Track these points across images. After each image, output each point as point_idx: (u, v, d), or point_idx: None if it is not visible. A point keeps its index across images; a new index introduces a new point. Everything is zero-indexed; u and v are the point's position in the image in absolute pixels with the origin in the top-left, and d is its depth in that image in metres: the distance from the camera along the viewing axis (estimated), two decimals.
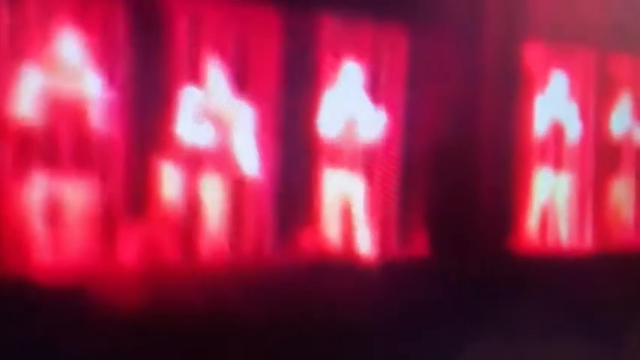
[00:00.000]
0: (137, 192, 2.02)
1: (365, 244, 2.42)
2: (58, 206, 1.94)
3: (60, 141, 1.93)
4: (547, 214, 2.77)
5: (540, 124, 2.77)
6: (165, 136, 2.05)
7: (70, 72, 1.92)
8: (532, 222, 2.74)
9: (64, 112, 1.93)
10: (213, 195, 2.14)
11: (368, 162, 2.41)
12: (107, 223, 1.99)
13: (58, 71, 1.91)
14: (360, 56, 2.36)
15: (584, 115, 2.89)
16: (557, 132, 2.81)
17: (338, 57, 2.32)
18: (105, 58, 1.95)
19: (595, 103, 2.92)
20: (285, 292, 2.23)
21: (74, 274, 1.97)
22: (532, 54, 2.73)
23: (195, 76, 2.09)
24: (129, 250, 2.02)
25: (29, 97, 1.87)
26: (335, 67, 2.32)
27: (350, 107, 2.37)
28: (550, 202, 2.79)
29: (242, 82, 2.16)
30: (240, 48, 2.15)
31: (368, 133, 2.41)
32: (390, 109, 2.42)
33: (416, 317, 2.45)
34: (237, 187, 2.18)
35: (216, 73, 2.11)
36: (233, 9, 2.14)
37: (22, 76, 1.86)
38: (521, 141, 2.73)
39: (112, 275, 2.00)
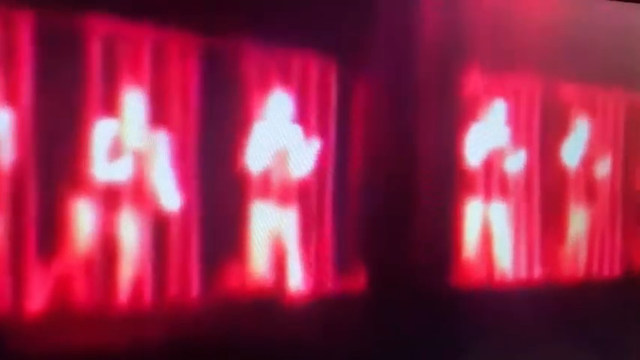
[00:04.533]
0: (47, 232, 1.91)
1: (298, 279, 2.32)
2: None
3: None
4: (487, 245, 2.69)
5: (478, 154, 2.70)
6: (78, 172, 1.95)
7: None
8: (472, 254, 2.66)
9: None
10: (132, 233, 2.03)
11: (299, 194, 2.31)
12: (14, 265, 1.88)
13: None
14: (288, 85, 2.27)
15: (528, 144, 2.82)
16: (497, 161, 2.74)
17: (265, 86, 2.23)
18: (9, 86, 1.85)
19: (542, 132, 2.85)
20: (212, 334, 2.13)
21: None
22: (471, 82, 2.66)
23: (110, 107, 1.99)
24: (38, 296, 1.91)
25: None
26: (261, 97, 2.23)
27: (279, 138, 2.29)
28: (489, 233, 2.71)
29: (161, 113, 2.06)
30: (158, 76, 2.06)
31: (299, 165, 2.32)
32: (322, 140, 2.33)
33: (352, 354, 2.36)
34: (158, 223, 2.08)
35: (133, 104, 2.02)
36: (150, 34, 2.04)
37: None
38: (459, 171, 2.65)
39: (19, 323, 1.89)
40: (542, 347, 2.74)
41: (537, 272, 2.85)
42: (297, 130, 2.30)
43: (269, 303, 2.28)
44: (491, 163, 2.71)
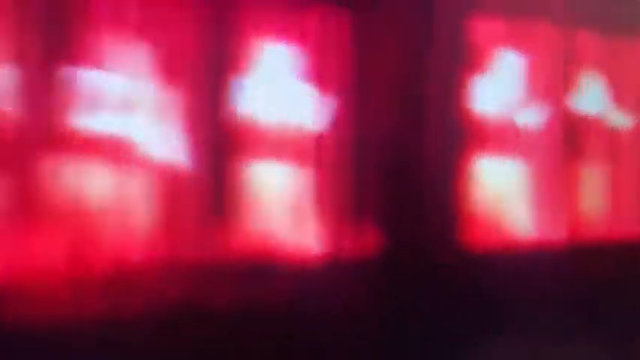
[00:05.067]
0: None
1: (312, 236, 2.21)
2: None
3: None
4: (500, 203, 2.56)
5: (492, 107, 2.56)
6: (74, 127, 1.83)
7: None
8: (484, 213, 2.52)
9: None
10: (137, 189, 1.92)
11: (313, 149, 2.21)
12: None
13: None
14: (302, 39, 2.17)
15: (543, 97, 2.68)
16: (510, 115, 2.60)
17: (278, 40, 2.12)
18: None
19: (557, 84, 2.71)
20: (230, 293, 2.05)
21: None
22: (483, 31, 2.52)
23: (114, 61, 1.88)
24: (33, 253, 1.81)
25: None
26: (274, 52, 2.12)
27: (292, 94, 2.17)
28: (503, 191, 2.57)
29: (170, 67, 1.95)
30: (167, 30, 1.94)
31: (312, 120, 2.21)
32: (337, 94, 2.22)
33: (365, 315, 2.27)
34: (164, 179, 1.97)
35: (140, 58, 1.90)
36: None
37: None
38: (471, 125, 2.51)
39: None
40: (557, 309, 2.62)
41: (554, 232, 2.72)
42: (312, 87, 2.19)
43: (279, 261, 2.17)
44: (503, 117, 2.57)
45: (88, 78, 1.87)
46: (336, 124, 2.25)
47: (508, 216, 2.59)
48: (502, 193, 2.57)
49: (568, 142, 2.73)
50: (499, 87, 2.56)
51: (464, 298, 2.43)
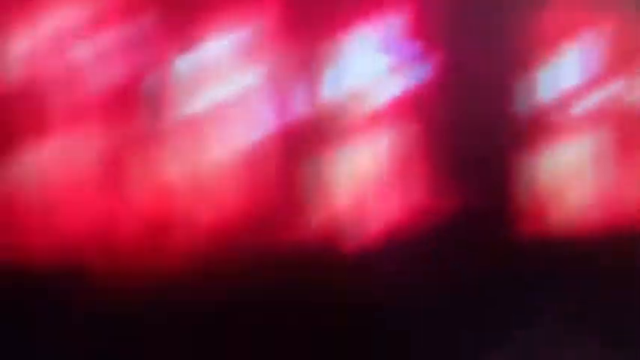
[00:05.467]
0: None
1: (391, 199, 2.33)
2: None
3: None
4: (558, 189, 2.68)
5: (556, 96, 2.68)
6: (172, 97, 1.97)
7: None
8: (542, 198, 2.64)
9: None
10: (224, 160, 2.06)
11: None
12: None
13: None
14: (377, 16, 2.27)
15: (599, 85, 2.79)
16: (570, 102, 2.71)
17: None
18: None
19: (613, 73, 2.81)
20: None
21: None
22: (549, 23, 2.63)
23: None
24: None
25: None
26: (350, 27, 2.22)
27: (369, 67, 2.29)
28: (562, 177, 2.69)
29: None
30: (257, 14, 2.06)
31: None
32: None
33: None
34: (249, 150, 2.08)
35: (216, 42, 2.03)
36: None
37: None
38: (536, 113, 2.63)
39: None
40: (608, 295, 2.70)
41: (608, 217, 2.81)
42: (386, 60, 2.30)
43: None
44: (565, 106, 2.69)
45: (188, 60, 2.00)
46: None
47: (569, 201, 2.72)
48: (564, 177, 2.70)
49: (623, 128, 2.84)
50: (563, 77, 2.68)
51: (526, 278, 2.56)
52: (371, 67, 2.29)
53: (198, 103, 2.03)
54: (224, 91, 2.07)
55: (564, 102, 2.71)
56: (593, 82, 2.76)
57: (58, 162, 1.88)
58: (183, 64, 2.00)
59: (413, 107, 2.34)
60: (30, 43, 1.83)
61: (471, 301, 2.45)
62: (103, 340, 1.89)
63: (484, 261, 2.47)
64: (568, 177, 2.72)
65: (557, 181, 2.69)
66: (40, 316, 1.85)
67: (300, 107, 2.18)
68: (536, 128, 2.65)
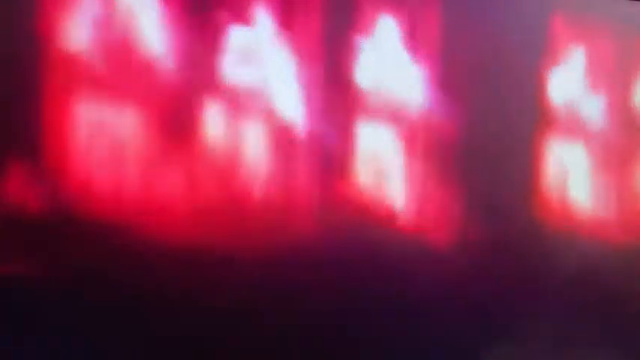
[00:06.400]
0: (182, 127, 2.06)
1: (402, 197, 2.44)
2: (104, 134, 1.98)
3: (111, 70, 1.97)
4: (567, 186, 2.80)
5: (562, 96, 2.81)
6: (211, 75, 2.09)
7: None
8: (555, 191, 2.76)
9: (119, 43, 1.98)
10: (255, 138, 2.17)
11: (403, 116, 2.44)
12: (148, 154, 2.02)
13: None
14: (398, 11, 2.41)
15: (607, 89, 2.92)
16: (578, 104, 2.84)
17: (377, 10, 2.37)
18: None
19: (621, 78, 2.93)
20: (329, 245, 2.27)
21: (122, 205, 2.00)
22: (558, 26, 2.77)
23: (242, 15, 2.13)
24: (170, 183, 2.05)
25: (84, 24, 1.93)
26: (374, 20, 2.37)
27: (389, 59, 2.41)
28: (572, 172, 2.81)
29: (286, 24, 2.21)
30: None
31: (406, 88, 2.45)
32: (427, 66, 2.46)
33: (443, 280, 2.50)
34: (280, 132, 2.21)
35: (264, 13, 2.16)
36: None
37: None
38: (544, 111, 2.76)
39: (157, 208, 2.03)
40: (623, 292, 2.82)
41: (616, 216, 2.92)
42: (406, 53, 2.44)
43: (374, 218, 2.40)
44: (572, 106, 2.82)
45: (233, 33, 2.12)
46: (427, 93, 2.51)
47: (575, 196, 2.84)
48: (571, 174, 2.83)
49: (630, 133, 2.96)
50: (571, 78, 2.82)
51: (536, 271, 2.67)
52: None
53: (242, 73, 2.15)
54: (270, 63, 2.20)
55: (571, 103, 2.83)
56: (599, 87, 2.89)
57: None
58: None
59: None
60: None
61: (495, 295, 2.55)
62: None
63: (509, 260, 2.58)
64: (574, 174, 2.84)
65: (565, 177, 2.81)
66: None
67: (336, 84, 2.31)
68: (548, 125, 2.77)
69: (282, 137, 2.23)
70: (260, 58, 2.18)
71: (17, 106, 1.85)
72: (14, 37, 1.87)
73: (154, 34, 2.00)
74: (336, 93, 2.32)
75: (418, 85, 2.48)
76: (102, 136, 1.96)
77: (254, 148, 2.18)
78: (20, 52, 1.87)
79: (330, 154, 2.32)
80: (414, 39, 2.45)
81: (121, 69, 1.96)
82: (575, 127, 2.83)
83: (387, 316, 2.37)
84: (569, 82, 2.83)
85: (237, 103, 2.14)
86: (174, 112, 2.03)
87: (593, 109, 2.88)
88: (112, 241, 1.97)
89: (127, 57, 1.97)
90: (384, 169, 2.44)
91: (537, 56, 2.74)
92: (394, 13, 2.41)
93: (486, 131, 2.64)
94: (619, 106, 2.94)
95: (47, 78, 1.85)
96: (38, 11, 1.87)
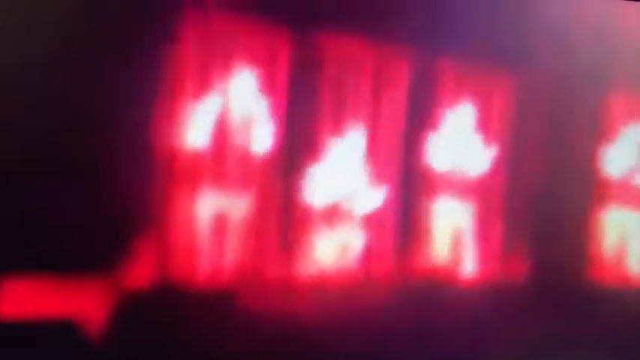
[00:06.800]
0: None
1: (470, 267, 2.70)
2: (222, 221, 2.26)
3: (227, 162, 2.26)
4: (623, 249, 3.03)
5: (618, 169, 3.04)
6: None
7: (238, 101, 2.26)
8: (610, 255, 3.00)
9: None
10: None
11: (476, 193, 2.70)
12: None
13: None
14: (472, 96, 2.67)
15: None
16: (632, 176, 3.07)
17: (455, 97, 2.63)
18: (270, 90, 2.28)
19: None
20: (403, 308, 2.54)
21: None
22: (614, 106, 3.00)
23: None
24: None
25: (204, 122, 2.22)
26: (451, 106, 2.63)
27: (461, 143, 2.68)
28: (624, 240, 3.05)
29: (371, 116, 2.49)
30: (372, 86, 2.48)
31: (477, 167, 2.70)
32: (497, 146, 2.72)
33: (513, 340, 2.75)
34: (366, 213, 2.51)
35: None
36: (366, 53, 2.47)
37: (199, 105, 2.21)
38: (600, 182, 2.99)
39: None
40: None
41: None
42: (477, 136, 2.70)
43: (443, 285, 2.66)
44: (628, 177, 3.05)
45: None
46: (496, 170, 2.77)
47: (630, 259, 3.08)
48: (626, 240, 3.06)
49: None
50: (624, 154, 3.06)
51: (588, 326, 2.91)
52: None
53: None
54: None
55: (625, 175, 3.06)
56: None
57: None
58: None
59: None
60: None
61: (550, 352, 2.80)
62: None
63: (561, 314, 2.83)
64: (630, 240, 3.07)
65: (620, 243, 3.04)
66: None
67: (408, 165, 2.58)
68: (603, 196, 3.00)
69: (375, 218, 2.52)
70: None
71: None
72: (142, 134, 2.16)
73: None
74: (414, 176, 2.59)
75: (488, 164, 2.74)
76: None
77: (347, 224, 2.46)
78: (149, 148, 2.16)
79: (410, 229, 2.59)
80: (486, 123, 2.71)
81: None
82: (631, 197, 3.06)
83: None
84: (624, 155, 3.06)
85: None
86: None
87: None
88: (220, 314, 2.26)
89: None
90: (459, 239, 2.70)
91: (593, 133, 2.98)
92: (470, 100, 2.68)
93: (549, 201, 2.88)
94: None
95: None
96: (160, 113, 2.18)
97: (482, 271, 2.73)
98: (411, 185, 2.59)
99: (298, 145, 2.38)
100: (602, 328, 2.95)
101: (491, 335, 2.72)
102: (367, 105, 2.49)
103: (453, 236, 2.69)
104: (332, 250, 2.47)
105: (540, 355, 2.80)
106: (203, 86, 2.25)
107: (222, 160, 2.26)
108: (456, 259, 2.69)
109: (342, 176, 2.48)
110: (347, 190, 2.48)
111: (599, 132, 3.00)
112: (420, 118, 2.58)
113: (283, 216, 2.36)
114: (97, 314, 2.13)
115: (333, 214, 2.46)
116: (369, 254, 2.52)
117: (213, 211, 2.24)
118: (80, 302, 2.11)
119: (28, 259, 2.09)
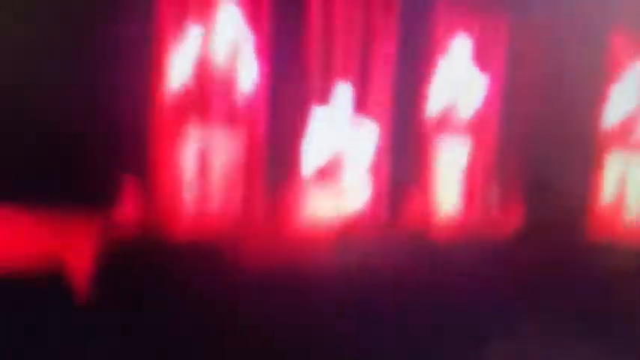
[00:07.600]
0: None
1: (465, 205, 2.62)
2: (208, 157, 2.20)
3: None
4: (622, 197, 2.94)
5: (622, 110, 2.94)
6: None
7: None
8: (608, 204, 2.91)
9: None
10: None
11: (471, 126, 2.62)
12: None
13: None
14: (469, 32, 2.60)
15: None
16: (633, 118, 2.97)
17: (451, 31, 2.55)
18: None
19: None
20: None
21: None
22: (616, 44, 2.89)
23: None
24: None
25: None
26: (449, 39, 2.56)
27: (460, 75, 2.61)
28: (625, 185, 2.95)
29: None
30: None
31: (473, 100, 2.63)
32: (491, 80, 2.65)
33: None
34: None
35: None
36: None
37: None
38: (595, 126, 2.89)
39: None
40: None
41: None
42: (473, 71, 2.62)
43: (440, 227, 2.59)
44: (630, 120, 2.95)
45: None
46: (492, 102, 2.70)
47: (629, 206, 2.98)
48: (629, 187, 2.97)
49: None
50: (629, 93, 2.96)
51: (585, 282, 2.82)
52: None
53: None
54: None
55: (629, 118, 2.96)
56: None
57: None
58: None
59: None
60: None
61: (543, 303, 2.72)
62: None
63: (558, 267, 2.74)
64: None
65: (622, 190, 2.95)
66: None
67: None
68: (603, 140, 2.91)
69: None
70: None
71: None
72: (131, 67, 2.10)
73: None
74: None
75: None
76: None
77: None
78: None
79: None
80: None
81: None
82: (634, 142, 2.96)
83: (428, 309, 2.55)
84: (628, 98, 2.96)
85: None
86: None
87: None
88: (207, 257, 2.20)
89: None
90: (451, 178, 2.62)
91: (597, 72, 2.87)
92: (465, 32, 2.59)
93: (548, 145, 2.79)
94: None
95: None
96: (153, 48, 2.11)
97: (475, 218, 2.65)
98: (405, 124, 2.52)
99: (286, 81, 2.31)
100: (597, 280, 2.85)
101: (487, 285, 2.63)
102: (357, 41, 2.41)
103: (451, 181, 2.61)
104: (322, 197, 2.39)
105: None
106: (186, 23, 2.18)
107: (207, 97, 2.20)
108: (450, 205, 2.62)
109: (334, 114, 2.40)
110: (338, 126, 2.40)
111: (601, 71, 2.89)
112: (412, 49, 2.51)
113: (271, 161, 2.29)
114: (82, 255, 2.09)
115: (324, 158, 2.39)
116: (361, 199, 2.45)
117: (198, 148, 2.19)
118: (66, 241, 2.07)
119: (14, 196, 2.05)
